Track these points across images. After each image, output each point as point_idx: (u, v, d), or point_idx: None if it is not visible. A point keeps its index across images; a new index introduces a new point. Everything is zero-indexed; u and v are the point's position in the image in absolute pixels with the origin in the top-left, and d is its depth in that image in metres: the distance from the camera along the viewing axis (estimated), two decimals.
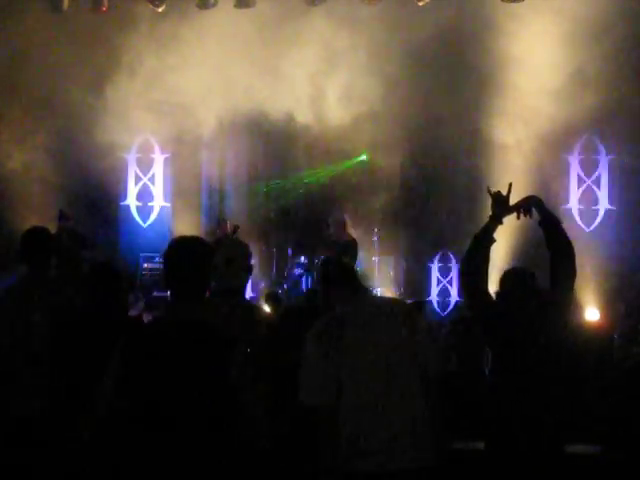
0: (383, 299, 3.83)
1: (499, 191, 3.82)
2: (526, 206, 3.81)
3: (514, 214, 3.83)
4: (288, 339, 4.04)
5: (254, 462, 2.96)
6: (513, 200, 3.84)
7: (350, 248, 10.17)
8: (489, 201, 3.86)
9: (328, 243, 10.31)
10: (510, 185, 3.84)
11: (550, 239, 3.77)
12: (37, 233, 4.33)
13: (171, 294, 3.06)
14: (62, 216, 9.98)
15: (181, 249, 3.05)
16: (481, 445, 3.80)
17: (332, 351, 3.38)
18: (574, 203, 11.55)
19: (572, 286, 3.79)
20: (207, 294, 3.24)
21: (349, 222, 10.65)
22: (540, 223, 3.81)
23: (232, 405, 2.85)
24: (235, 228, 10.16)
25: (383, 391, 3.35)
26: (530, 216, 3.82)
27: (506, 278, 3.87)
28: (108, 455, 2.90)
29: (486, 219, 3.88)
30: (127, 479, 2.83)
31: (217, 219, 11.31)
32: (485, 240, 3.76)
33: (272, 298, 7.88)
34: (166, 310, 3.14)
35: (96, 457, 3.01)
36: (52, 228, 4.94)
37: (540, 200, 3.85)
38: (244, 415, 2.89)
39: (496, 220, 3.79)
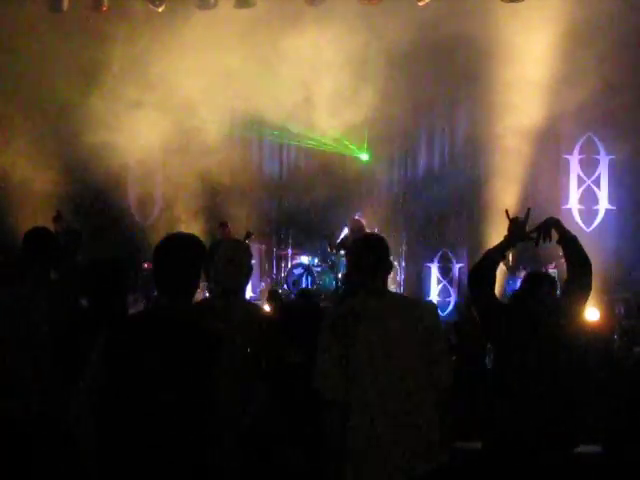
0: (405, 299, 3.69)
1: (517, 217, 3.99)
2: (545, 228, 3.98)
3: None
4: (289, 336, 4.06)
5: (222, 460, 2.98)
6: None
7: None
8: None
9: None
10: (529, 210, 4.03)
11: (569, 254, 3.97)
12: (39, 233, 4.33)
13: (159, 289, 3.07)
14: (58, 217, 9.99)
15: (172, 245, 3.06)
16: (478, 445, 3.82)
17: (343, 344, 3.32)
18: (574, 203, 11.56)
19: (585, 298, 3.96)
20: (198, 292, 3.25)
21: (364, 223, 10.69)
22: (559, 241, 3.99)
23: (207, 403, 2.89)
24: (248, 234, 10.13)
25: (390, 393, 3.28)
26: (550, 239, 4.00)
27: (530, 278, 4.06)
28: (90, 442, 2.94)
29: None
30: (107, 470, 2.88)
31: (218, 221, 11.29)
32: (497, 257, 3.98)
33: (274, 297, 7.89)
34: (154, 305, 3.14)
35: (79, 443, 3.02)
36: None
37: (558, 220, 4.02)
38: (216, 414, 2.92)
39: (511, 245, 4.00)
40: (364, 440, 3.27)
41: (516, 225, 3.97)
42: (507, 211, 4.04)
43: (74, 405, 2.96)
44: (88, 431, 2.94)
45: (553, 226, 3.98)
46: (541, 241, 3.96)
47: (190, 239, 3.11)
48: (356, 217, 10.58)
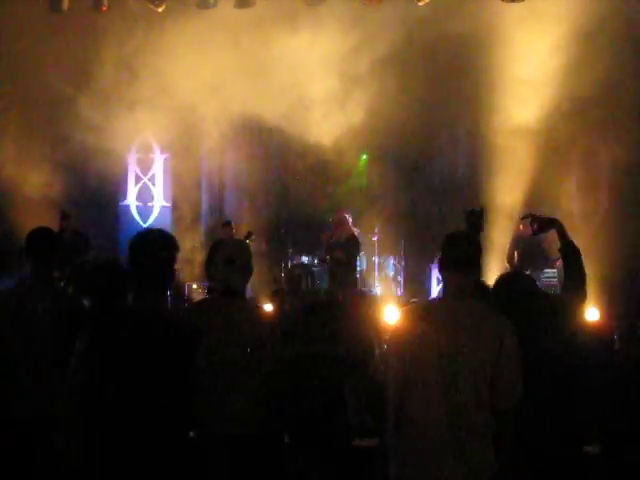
0: (484, 310, 3.33)
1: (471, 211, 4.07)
2: (544, 224, 4.10)
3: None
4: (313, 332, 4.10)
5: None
6: None
7: (352, 244, 10.18)
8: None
9: (331, 243, 10.32)
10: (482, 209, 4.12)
11: (568, 266, 4.03)
12: (42, 233, 4.34)
13: (136, 285, 3.09)
14: (64, 216, 9.99)
15: (147, 242, 3.08)
16: None
17: (408, 342, 3.21)
18: (572, 204, 11.57)
19: (581, 304, 4.06)
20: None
21: (349, 220, 10.69)
22: (560, 249, 4.06)
23: (182, 396, 2.91)
24: (248, 234, 10.13)
25: (447, 401, 3.13)
26: (537, 233, 4.16)
27: (499, 283, 3.97)
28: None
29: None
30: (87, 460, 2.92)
31: (220, 221, 11.30)
32: None
33: (278, 295, 7.88)
34: (132, 303, 3.15)
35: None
36: (53, 228, 4.92)
37: (562, 226, 4.07)
38: (192, 409, 2.95)
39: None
40: (412, 445, 3.18)
41: (468, 214, 4.06)
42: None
43: (62, 404, 2.99)
44: (75, 430, 2.99)
45: (555, 230, 4.05)
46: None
47: (164, 235, 3.13)
48: (337, 213, 10.63)
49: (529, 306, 3.77)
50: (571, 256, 4.02)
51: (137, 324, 2.97)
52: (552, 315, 3.82)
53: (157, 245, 3.06)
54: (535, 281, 4.15)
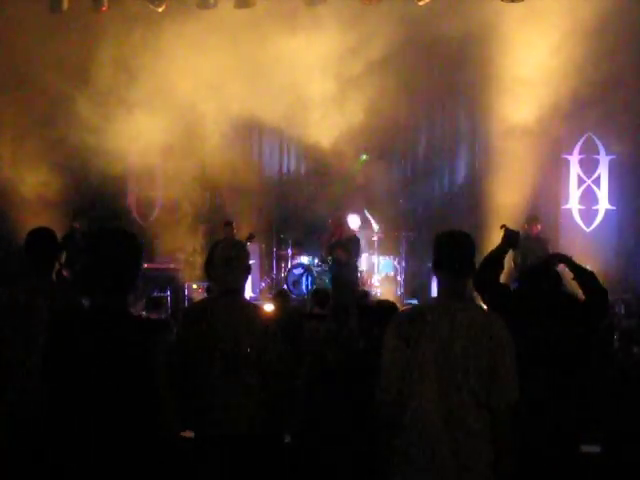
0: (478, 309, 3.35)
1: (507, 227, 4.26)
2: (553, 261, 4.26)
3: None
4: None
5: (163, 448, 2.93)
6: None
7: (353, 244, 10.18)
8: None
9: (332, 243, 10.31)
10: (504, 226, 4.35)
11: (586, 289, 4.06)
12: (42, 233, 4.34)
13: (97, 284, 3.03)
14: (76, 215, 10.01)
15: (103, 242, 3.03)
16: None
17: (406, 344, 3.19)
18: (574, 203, 11.56)
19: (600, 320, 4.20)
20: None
21: (358, 221, 10.67)
22: (574, 278, 4.11)
23: (147, 394, 2.88)
24: (250, 236, 10.13)
25: (445, 401, 3.12)
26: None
27: (528, 278, 4.11)
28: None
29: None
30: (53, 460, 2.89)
31: (222, 221, 11.29)
32: (497, 265, 4.16)
33: (281, 296, 7.85)
34: (95, 300, 3.11)
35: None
36: (57, 229, 4.90)
37: (565, 256, 4.22)
38: (156, 402, 2.91)
39: (505, 251, 4.23)
40: (409, 445, 3.17)
41: (509, 233, 4.19)
42: (503, 225, 4.29)
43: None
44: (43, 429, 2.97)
45: (563, 262, 4.15)
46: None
47: (125, 234, 3.07)
48: (335, 214, 10.64)
49: (556, 305, 3.88)
50: (588, 281, 4.05)
51: (97, 322, 2.95)
52: (573, 319, 3.90)
53: (112, 244, 3.00)
54: (562, 279, 4.15)
